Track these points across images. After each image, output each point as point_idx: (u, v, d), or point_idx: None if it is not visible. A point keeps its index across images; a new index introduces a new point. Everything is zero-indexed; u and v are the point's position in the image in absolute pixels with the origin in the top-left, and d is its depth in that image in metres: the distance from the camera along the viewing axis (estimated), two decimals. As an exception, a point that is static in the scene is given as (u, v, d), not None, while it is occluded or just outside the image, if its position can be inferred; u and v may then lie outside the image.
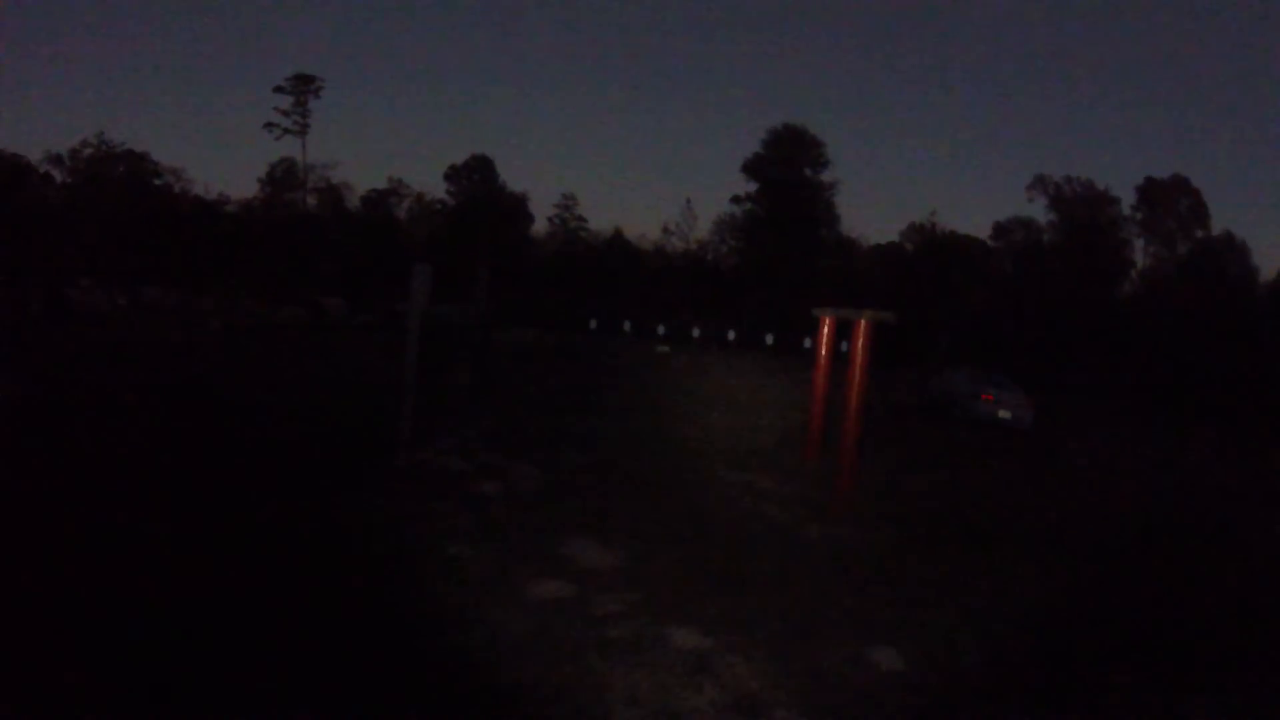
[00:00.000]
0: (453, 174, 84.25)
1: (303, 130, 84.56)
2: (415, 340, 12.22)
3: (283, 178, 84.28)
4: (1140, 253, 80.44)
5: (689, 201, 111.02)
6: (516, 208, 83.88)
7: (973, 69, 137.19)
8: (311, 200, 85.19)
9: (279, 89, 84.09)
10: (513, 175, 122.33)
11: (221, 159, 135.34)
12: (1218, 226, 77.71)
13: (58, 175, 78.21)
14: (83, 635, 5.47)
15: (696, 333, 67.59)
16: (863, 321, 12.91)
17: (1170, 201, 77.90)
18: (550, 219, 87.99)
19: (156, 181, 79.16)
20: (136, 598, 6.10)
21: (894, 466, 15.52)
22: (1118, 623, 7.99)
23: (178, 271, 64.92)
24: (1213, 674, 6.88)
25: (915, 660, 6.49)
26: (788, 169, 77.20)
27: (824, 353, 15.36)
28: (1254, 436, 33.51)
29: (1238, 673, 6.99)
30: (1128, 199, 79.06)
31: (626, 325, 67.60)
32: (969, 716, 5.71)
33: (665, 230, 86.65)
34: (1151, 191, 78.41)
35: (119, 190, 74.65)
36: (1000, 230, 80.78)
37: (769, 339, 65.73)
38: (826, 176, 78.95)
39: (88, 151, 77.34)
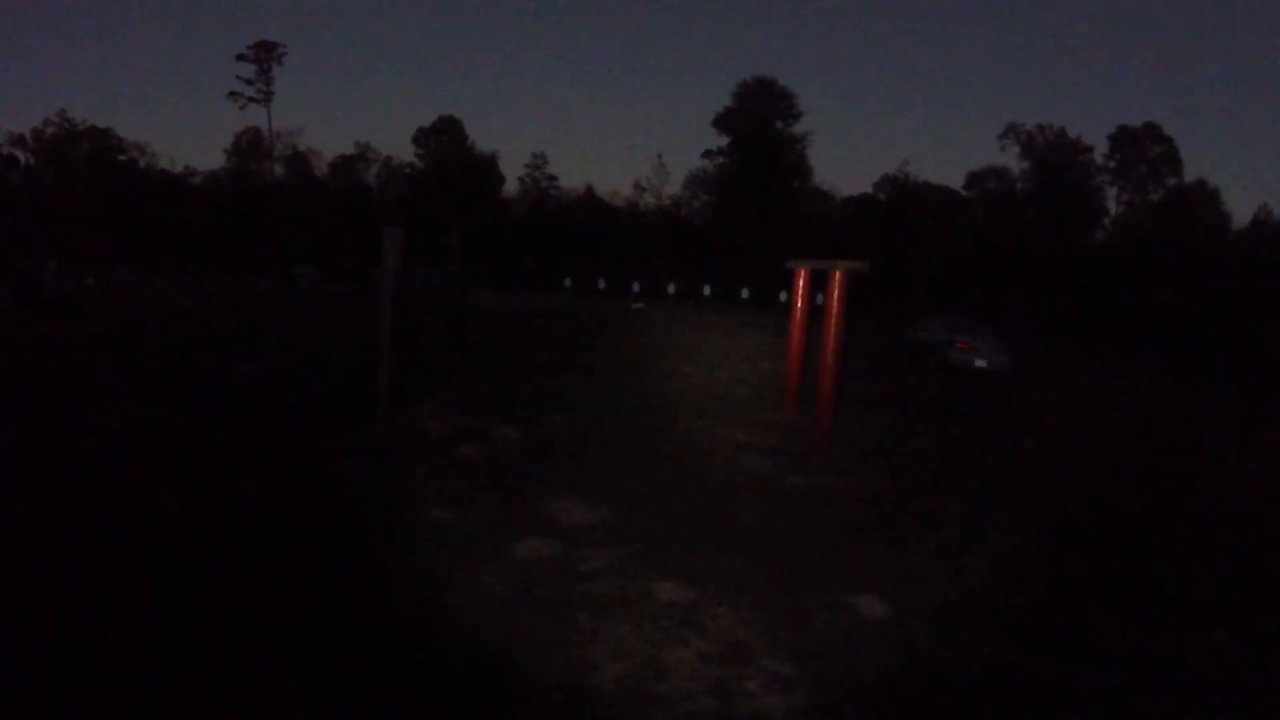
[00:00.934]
0: (421, 136, 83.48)
1: (267, 98, 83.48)
2: (389, 305, 12.13)
3: (249, 147, 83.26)
4: (1113, 200, 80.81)
5: (660, 157, 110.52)
6: (487, 168, 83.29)
7: (943, 17, 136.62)
8: (279, 169, 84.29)
9: (241, 57, 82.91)
10: (482, 136, 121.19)
11: (186, 131, 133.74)
12: (1190, 174, 78.10)
13: (21, 156, 77.15)
14: (68, 621, 5.45)
15: (672, 289, 67.52)
16: (837, 273, 12.91)
17: (1143, 149, 78.11)
18: (521, 179, 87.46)
19: (121, 158, 78.13)
20: (118, 573, 6.07)
21: (872, 416, 15.59)
22: (1101, 566, 8.07)
23: (147, 250, 64.21)
24: (1197, 614, 6.97)
25: (899, 607, 6.54)
26: (759, 122, 76.82)
27: (799, 305, 15.38)
28: (1227, 380, 33.83)
29: (1220, 612, 7.08)
30: (1100, 147, 79.28)
31: (601, 283, 67.40)
32: (954, 661, 5.77)
33: (637, 187, 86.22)
34: (1124, 139, 78.55)
35: (84, 169, 73.65)
36: (974, 179, 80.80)
37: (744, 293, 65.76)
38: (798, 129, 78.71)
39: (50, 131, 76.25)
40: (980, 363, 25.06)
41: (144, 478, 8.42)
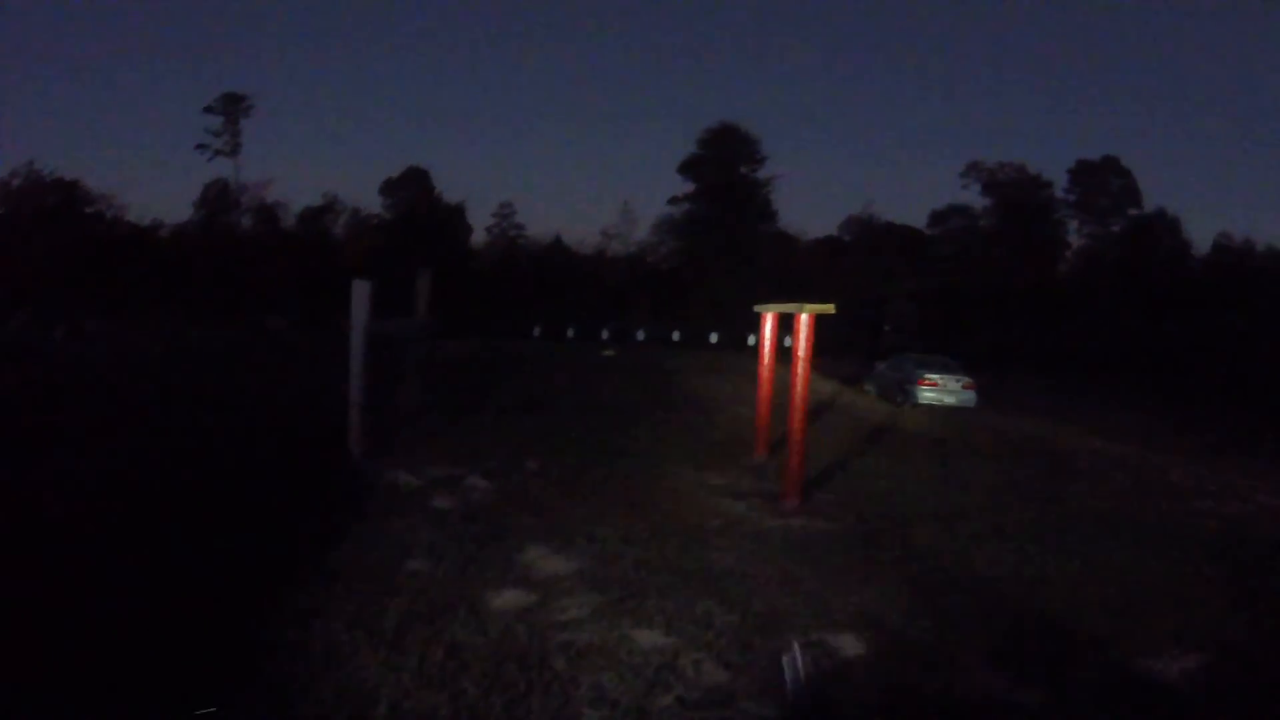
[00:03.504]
0: (388, 187, 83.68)
1: (234, 150, 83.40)
2: (360, 357, 12.13)
3: (217, 199, 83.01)
4: (1075, 233, 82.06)
5: (627, 204, 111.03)
6: (454, 218, 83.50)
7: (903, 59, 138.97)
8: (247, 220, 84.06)
9: (209, 109, 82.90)
10: (449, 186, 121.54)
11: (155, 184, 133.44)
12: (1150, 204, 79.30)
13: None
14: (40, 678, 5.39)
15: (641, 334, 67.69)
16: (803, 315, 13.00)
17: (1102, 182, 79.45)
18: (489, 228, 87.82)
19: (88, 210, 77.70)
20: (95, 632, 6.00)
21: (843, 455, 15.67)
22: (1078, 597, 8.15)
23: (116, 301, 63.77)
24: (1172, 639, 7.04)
25: (878, 644, 6.57)
26: (724, 168, 77.62)
27: (768, 348, 15.48)
28: (1191, 404, 34.26)
29: (1197, 635, 7.15)
30: (1060, 182, 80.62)
31: (570, 330, 67.47)
32: (931, 696, 5.80)
33: (605, 234, 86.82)
34: (1083, 173, 79.96)
35: (50, 221, 73.12)
36: (937, 218, 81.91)
37: (713, 337, 65.96)
38: (763, 174, 79.62)
39: (17, 183, 75.74)
40: (948, 398, 25.36)
41: (108, 531, 8.31)
